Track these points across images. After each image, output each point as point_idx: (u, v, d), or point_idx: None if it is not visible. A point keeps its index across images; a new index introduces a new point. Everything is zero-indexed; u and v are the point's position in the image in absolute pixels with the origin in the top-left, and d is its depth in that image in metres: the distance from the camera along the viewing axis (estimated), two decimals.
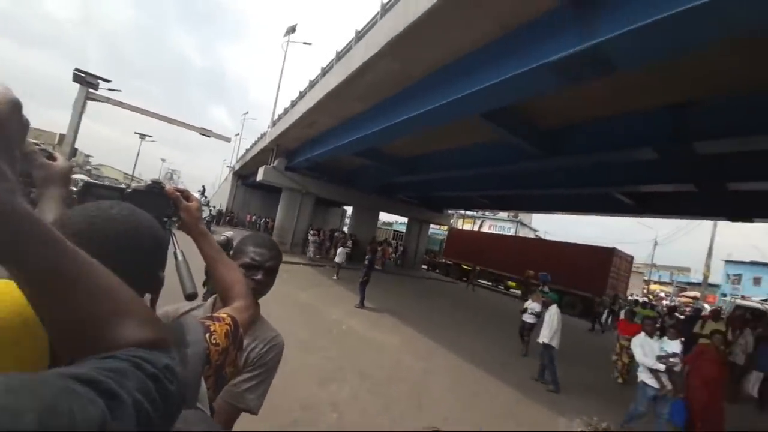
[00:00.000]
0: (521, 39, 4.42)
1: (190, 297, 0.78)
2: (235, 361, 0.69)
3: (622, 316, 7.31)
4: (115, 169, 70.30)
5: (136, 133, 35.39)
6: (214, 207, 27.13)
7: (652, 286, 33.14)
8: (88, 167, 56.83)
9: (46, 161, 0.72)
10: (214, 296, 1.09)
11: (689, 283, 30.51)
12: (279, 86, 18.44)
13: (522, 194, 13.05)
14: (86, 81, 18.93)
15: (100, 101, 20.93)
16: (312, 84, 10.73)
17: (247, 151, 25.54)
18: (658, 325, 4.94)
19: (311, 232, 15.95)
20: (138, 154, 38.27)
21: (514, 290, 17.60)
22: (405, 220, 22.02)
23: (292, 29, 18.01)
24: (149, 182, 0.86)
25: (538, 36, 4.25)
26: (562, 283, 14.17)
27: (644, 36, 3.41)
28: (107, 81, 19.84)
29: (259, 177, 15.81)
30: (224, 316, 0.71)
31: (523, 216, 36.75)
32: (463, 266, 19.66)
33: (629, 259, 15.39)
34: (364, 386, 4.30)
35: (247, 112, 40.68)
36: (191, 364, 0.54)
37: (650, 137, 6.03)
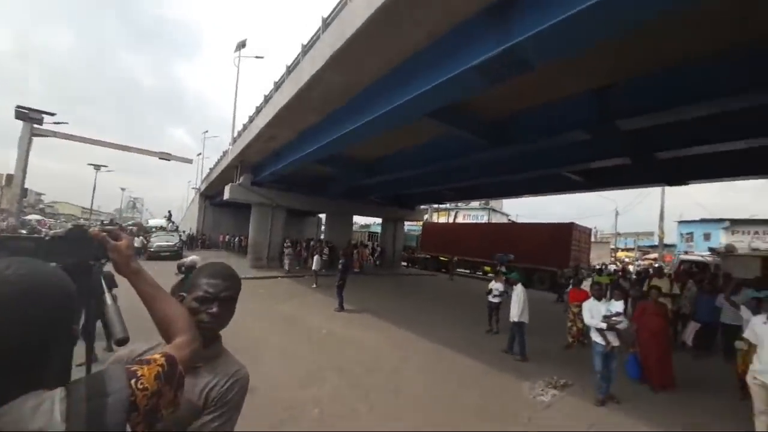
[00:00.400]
0: (448, 45, 4.84)
1: (120, 342, 0.78)
2: (174, 400, 0.68)
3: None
4: (71, 204, 66.28)
5: (89, 164, 33.62)
6: (184, 232, 26.32)
7: (619, 254, 35.27)
8: (41, 206, 53.30)
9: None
10: None
11: (651, 246, 32.74)
12: (235, 102, 18.31)
13: (484, 183, 13.67)
14: (29, 117, 18.03)
15: (46, 136, 19.95)
16: (267, 99, 10.82)
17: (211, 170, 25.02)
18: (604, 289, 5.49)
19: (285, 244, 15.92)
20: (94, 187, 36.37)
21: (491, 275, 18.26)
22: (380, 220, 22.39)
23: (242, 44, 17.90)
24: (69, 227, 0.88)
25: (463, 42, 4.67)
26: (530, 261, 15.07)
27: (551, 35, 3.87)
28: (51, 114, 19.00)
29: (226, 195, 15.63)
30: (156, 357, 0.70)
31: (494, 203, 38.08)
32: (440, 258, 20.23)
33: (588, 232, 16.37)
34: (344, 381, 4.56)
35: (206, 131, 39.58)
36: (110, 413, 0.56)
37: (581, 120, 6.64)
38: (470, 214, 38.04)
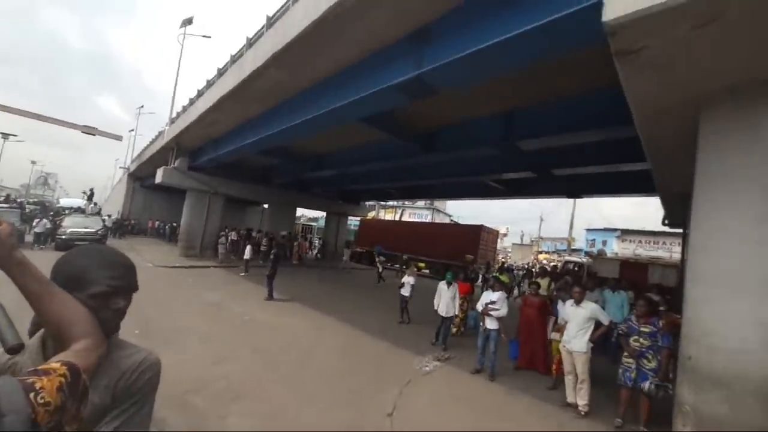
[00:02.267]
0: (375, 63, 5.47)
1: (13, 351, 0.69)
2: (78, 415, 0.62)
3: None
4: None
5: None
6: (109, 216, 23.41)
7: (540, 256, 39.54)
8: None
9: None
10: (40, 333, 0.87)
11: (564, 250, 37.25)
12: (176, 81, 17.30)
13: (422, 185, 14.75)
14: None
15: None
16: (210, 83, 10.60)
17: (145, 149, 23.14)
18: (490, 283, 6.48)
19: (221, 233, 15.53)
20: None
21: (425, 270, 19.45)
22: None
23: (188, 21, 16.93)
24: None
25: (387, 62, 5.33)
26: (446, 257, 16.84)
27: (453, 68, 4.66)
28: None
29: (158, 179, 14.81)
30: (55, 366, 0.61)
31: (438, 203, 40.30)
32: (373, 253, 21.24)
33: (495, 233, 18.78)
34: (257, 360, 4.99)
35: (142, 106, 36.07)
36: None
37: (492, 137, 7.75)
38: (416, 212, 39.80)
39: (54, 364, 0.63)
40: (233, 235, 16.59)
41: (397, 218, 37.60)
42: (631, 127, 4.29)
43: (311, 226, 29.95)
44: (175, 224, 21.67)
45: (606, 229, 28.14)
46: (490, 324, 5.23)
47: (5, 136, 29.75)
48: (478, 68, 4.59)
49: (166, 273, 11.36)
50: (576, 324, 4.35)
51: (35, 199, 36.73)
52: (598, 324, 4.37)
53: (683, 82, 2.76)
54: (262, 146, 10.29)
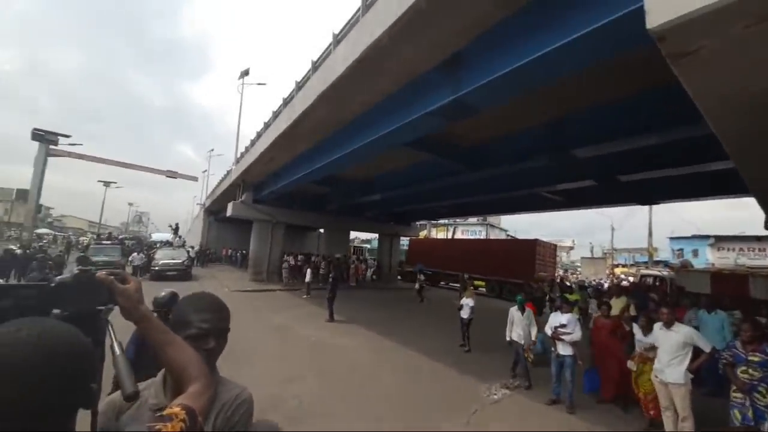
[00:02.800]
0: (411, 92, 5.74)
1: (129, 398, 0.73)
2: None
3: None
4: (78, 218, 67.87)
5: (99, 181, 35.08)
6: (192, 247, 25.44)
7: (617, 270, 35.49)
8: (49, 220, 54.77)
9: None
10: (162, 371, 0.97)
11: (645, 262, 33.02)
12: (238, 128, 19.49)
13: (470, 202, 14.46)
14: (45, 139, 19.19)
15: (61, 156, 21.21)
16: (266, 125, 11.81)
17: (216, 187, 26.07)
18: (557, 304, 5.93)
19: (283, 258, 16.70)
20: (103, 202, 37.70)
21: (482, 288, 18.56)
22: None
23: (245, 72, 19.24)
24: (75, 271, 0.84)
25: (423, 89, 5.56)
26: (500, 274, 15.95)
27: (492, 87, 4.72)
28: (67, 136, 20.22)
29: (229, 212, 16.53)
30: (176, 411, 0.68)
31: (492, 218, 38.77)
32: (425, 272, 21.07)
33: (552, 247, 17.80)
34: (325, 381, 5.23)
35: (212, 149, 41.12)
36: None
37: (543, 147, 7.48)
38: (468, 229, 38.71)
39: (175, 408, 0.69)
40: (291, 260, 17.70)
41: (449, 236, 36.93)
42: (700, 125, 3.90)
43: (362, 248, 30.65)
44: (244, 251, 23.76)
45: (696, 237, 24.13)
46: (564, 349, 4.77)
47: (107, 183, 35.83)
48: (517, 84, 4.59)
49: (239, 297, 12.47)
50: (668, 351, 3.79)
51: (132, 235, 43.06)
52: (696, 350, 3.78)
53: (748, 76, 2.52)
54: (313, 177, 11.08)
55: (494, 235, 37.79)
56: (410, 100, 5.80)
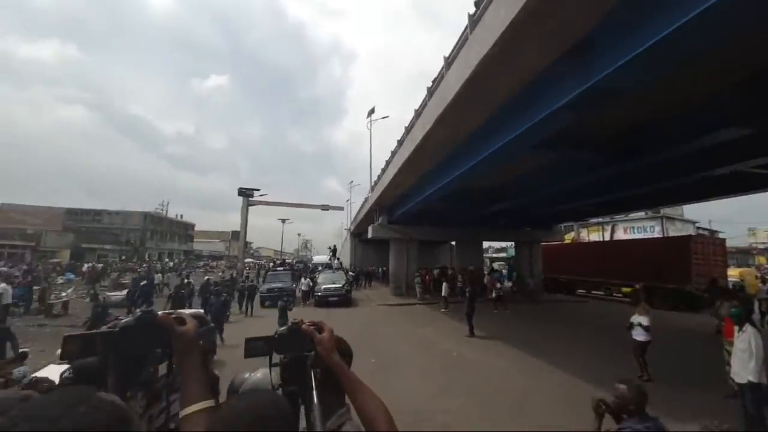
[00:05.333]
0: (535, 91, 5.38)
1: None
2: None
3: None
4: (268, 248, 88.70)
5: (278, 219, 45.45)
6: (353, 268, 25.62)
7: None
8: (251, 251, 73.43)
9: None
10: None
11: None
12: (371, 160, 22.02)
13: (630, 195, 11.88)
14: (245, 193, 26.88)
15: (256, 204, 28.77)
16: (393, 153, 12.98)
17: (357, 213, 29.77)
18: None
19: (416, 274, 17.51)
20: (282, 235, 48.44)
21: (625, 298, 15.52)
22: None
23: (371, 111, 21.89)
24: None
25: (548, 85, 5.15)
26: (648, 279, 13.47)
27: (637, 64, 4.05)
28: (257, 190, 27.72)
29: (370, 235, 18.60)
30: None
31: (670, 210, 30.34)
32: (559, 280, 19.44)
33: (718, 242, 14.96)
34: (472, 400, 5.24)
35: (352, 181, 47.78)
36: None
37: (732, 115, 5.69)
38: (633, 226, 31.41)
39: None
40: (425, 274, 18.33)
41: (607, 237, 30.90)
42: None
43: (498, 257, 28.83)
44: (384, 268, 26.01)
45: None
46: None
47: (283, 221, 46.01)
48: (672, 54, 3.76)
49: (383, 310, 13.79)
50: None
51: (300, 259, 53.07)
52: None
53: None
54: (438, 195, 11.40)
55: (674, 228, 29.43)
56: (534, 100, 5.46)
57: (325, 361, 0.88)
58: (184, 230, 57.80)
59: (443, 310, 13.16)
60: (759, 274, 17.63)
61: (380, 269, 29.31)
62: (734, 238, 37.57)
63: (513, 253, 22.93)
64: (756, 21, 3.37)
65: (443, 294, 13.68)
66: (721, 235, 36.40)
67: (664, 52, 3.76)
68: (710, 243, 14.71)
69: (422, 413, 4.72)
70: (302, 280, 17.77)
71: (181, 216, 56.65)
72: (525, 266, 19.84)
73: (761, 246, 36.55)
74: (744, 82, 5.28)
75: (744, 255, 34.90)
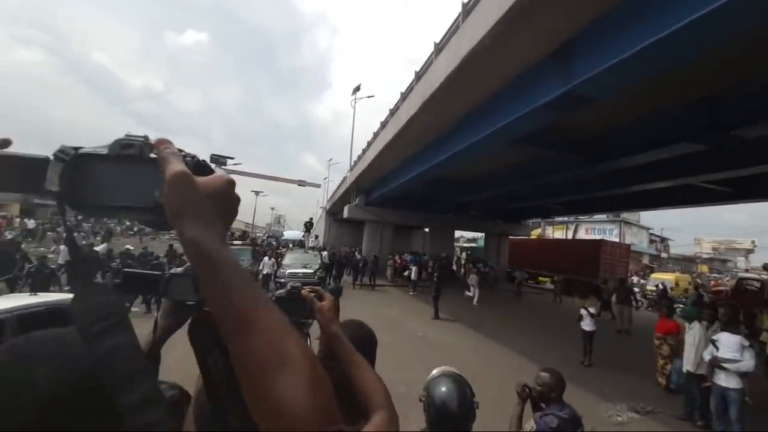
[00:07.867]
0: (518, 88, 5.56)
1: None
2: None
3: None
4: (239, 221, 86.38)
5: (252, 191, 44.01)
6: (330, 250, 19.29)
7: None
8: None
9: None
10: None
11: None
12: (352, 136, 21.62)
13: (593, 197, 12.66)
14: (218, 161, 25.58)
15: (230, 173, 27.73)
16: (375, 135, 12.93)
17: (334, 192, 29.51)
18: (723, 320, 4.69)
19: (389, 256, 17.85)
20: (255, 208, 47.10)
21: (549, 284, 18.61)
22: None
23: (357, 89, 21.32)
24: (288, 288, 0.88)
25: (531, 84, 5.34)
26: (568, 273, 16.36)
27: (611, 73, 4.29)
28: (231, 158, 26.31)
29: (345, 214, 18.63)
30: None
31: (629, 214, 32.46)
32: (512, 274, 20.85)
33: (625, 247, 18.60)
34: (428, 373, 5.59)
35: (331, 159, 46.70)
36: None
37: (691, 130, 6.15)
38: (595, 227, 33.41)
39: None
40: (398, 259, 18.65)
41: (570, 236, 32.69)
42: None
43: (471, 247, 29.83)
44: (357, 248, 26.09)
45: None
46: (728, 381, 3.95)
47: (257, 193, 44.57)
48: (642, 68, 4.03)
49: (359, 291, 14.01)
50: None
51: (271, 234, 51.09)
52: None
53: None
54: (418, 180, 11.57)
55: (630, 233, 31.66)
56: (517, 96, 5.65)
57: (323, 330, 0.86)
58: None
59: (412, 292, 13.62)
60: (691, 281, 20.26)
61: (354, 250, 29.16)
62: (682, 246, 41.06)
63: (483, 244, 23.89)
64: (716, 44, 3.67)
65: (412, 277, 14.09)
66: (671, 243, 39.79)
67: (631, 66, 4.02)
68: (618, 247, 18.07)
69: (387, 383, 4.97)
70: (265, 259, 13.11)
71: None
72: (493, 257, 20.72)
73: (705, 255, 39.99)
74: (703, 100, 5.73)
75: (688, 263, 38.04)
